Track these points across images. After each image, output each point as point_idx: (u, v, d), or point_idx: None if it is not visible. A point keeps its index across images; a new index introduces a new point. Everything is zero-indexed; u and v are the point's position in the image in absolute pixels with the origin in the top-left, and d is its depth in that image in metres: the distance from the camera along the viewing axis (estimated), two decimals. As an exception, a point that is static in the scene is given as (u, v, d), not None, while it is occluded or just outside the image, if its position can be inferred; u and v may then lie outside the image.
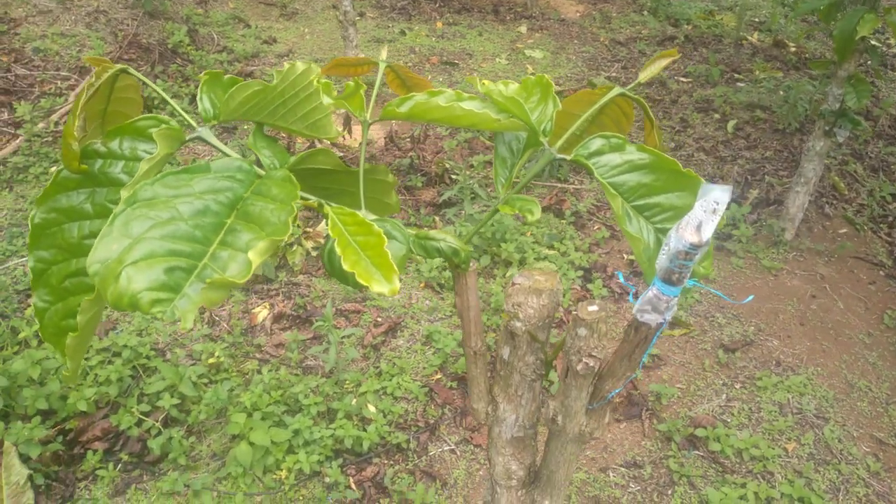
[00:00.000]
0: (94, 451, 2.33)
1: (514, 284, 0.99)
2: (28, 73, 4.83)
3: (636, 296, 0.87)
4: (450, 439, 2.46)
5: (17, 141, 4.09)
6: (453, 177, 3.92)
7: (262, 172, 0.80)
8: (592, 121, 1.03)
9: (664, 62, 0.90)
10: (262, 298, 3.03)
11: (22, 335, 2.66)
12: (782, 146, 4.47)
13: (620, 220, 0.83)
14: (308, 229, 3.31)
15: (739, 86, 5.28)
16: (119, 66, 0.85)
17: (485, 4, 6.96)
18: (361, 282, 0.66)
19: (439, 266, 3.16)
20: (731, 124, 4.70)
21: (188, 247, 0.66)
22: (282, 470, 2.29)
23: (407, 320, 2.93)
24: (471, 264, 0.98)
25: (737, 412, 2.56)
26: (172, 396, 2.44)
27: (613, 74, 5.58)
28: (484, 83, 0.95)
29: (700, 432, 2.43)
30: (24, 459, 2.23)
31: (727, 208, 0.71)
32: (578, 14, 6.89)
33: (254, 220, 0.70)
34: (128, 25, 5.62)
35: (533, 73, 5.49)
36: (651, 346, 0.92)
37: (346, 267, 0.67)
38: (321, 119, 0.89)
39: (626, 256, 3.41)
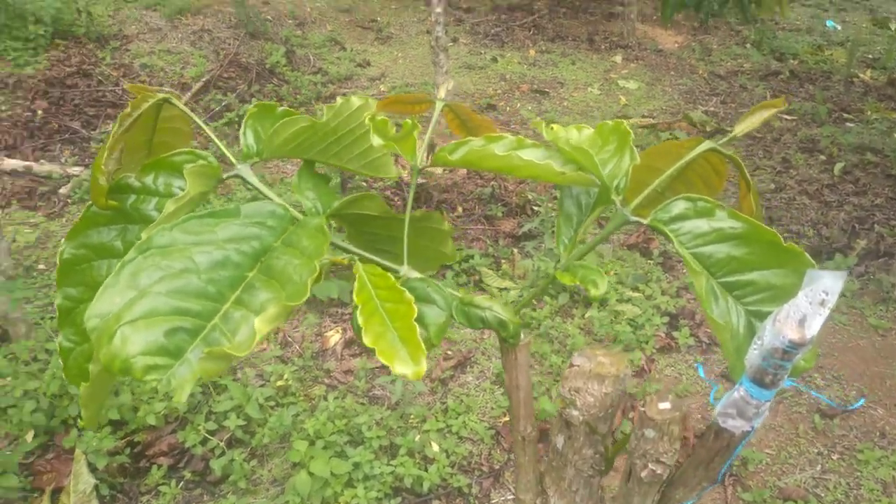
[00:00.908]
0: (159, 466, 2.34)
1: (572, 366, 0.89)
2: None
3: (719, 395, 0.75)
4: (514, 488, 2.34)
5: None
6: (535, 208, 3.82)
7: (301, 217, 0.73)
8: (677, 177, 0.92)
9: (767, 114, 0.78)
10: (335, 322, 3.01)
11: (103, 343, 2.72)
12: (895, 193, 4.15)
13: (704, 300, 0.72)
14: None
15: (849, 126, 4.95)
16: (162, 94, 0.81)
17: (579, 33, 6.85)
18: (382, 359, 0.58)
19: (513, 301, 3.06)
20: (838, 167, 4.40)
21: (197, 305, 0.59)
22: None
23: (478, 356, 2.84)
24: (522, 337, 0.89)
25: (832, 487, 2.33)
26: (238, 417, 2.43)
27: (711, 108, 5.35)
28: (552, 128, 0.86)
29: (790, 506, 2.22)
30: (92, 469, 2.26)
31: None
32: (677, 45, 6.68)
33: (276, 275, 0.63)
34: (229, 45, 5.83)
35: (626, 105, 5.34)
36: (735, 456, 0.79)
37: (366, 341, 0.59)
38: (379, 158, 0.82)
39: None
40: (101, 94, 4.92)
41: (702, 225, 0.75)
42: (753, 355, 0.66)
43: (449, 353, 2.84)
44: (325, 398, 2.57)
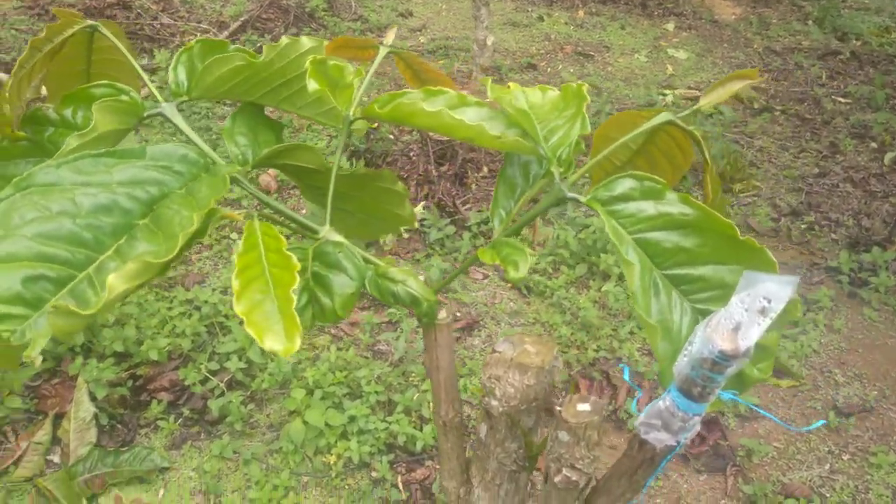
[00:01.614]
0: (159, 401, 2.35)
1: (494, 352, 0.82)
2: (172, 22, 5.02)
3: (643, 403, 0.67)
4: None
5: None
6: (565, 175, 3.71)
7: (222, 165, 0.67)
8: (639, 153, 0.83)
9: (737, 85, 0.69)
10: (346, 274, 2.98)
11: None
12: (947, 189, 3.93)
13: (640, 294, 0.63)
14: (404, 210, 3.22)
15: (906, 114, 4.70)
16: (89, 22, 0.74)
17: (633, -3, 6.60)
18: (250, 331, 0.52)
19: (529, 268, 2.98)
20: (889, 156, 4.18)
21: (67, 252, 0.53)
22: (332, 454, 2.22)
23: (486, 320, 2.79)
24: (442, 315, 0.82)
25: (839, 488, 2.25)
26: (240, 360, 2.42)
27: (762, 85, 5.12)
28: (493, 87, 0.78)
29: (791, 503, 2.14)
30: (93, 398, 2.28)
31: (786, 309, 0.51)
32: (734, 16, 6.39)
33: (163, 226, 0.57)
34: (272, -15, 5.73)
35: (672, 75, 5.13)
36: (658, 470, 0.72)
37: (237, 309, 0.53)
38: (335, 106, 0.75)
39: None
40: (139, 27, 4.89)
41: (647, 208, 0.66)
42: (682, 363, 0.58)
43: (458, 314, 2.79)
44: (328, 349, 2.55)
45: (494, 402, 0.80)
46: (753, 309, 0.53)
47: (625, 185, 0.67)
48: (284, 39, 0.76)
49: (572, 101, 0.76)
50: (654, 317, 0.62)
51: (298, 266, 0.59)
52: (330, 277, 0.73)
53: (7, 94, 0.67)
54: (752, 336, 0.52)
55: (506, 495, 0.89)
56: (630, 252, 0.64)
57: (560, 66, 5.08)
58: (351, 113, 0.77)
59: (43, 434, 2.23)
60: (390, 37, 0.90)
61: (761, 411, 0.75)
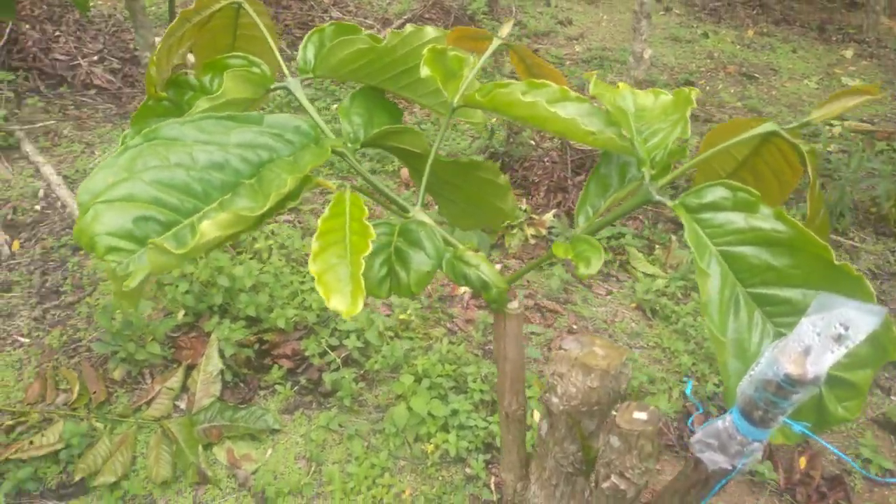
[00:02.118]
0: (280, 367, 2.50)
1: (560, 348, 0.79)
2: (340, 16, 5.29)
3: (699, 421, 0.63)
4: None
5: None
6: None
7: (330, 139, 0.70)
8: (744, 164, 0.78)
9: (853, 101, 0.63)
10: (470, 271, 3.02)
11: (258, 245, 2.93)
12: None
13: (712, 307, 0.59)
14: (534, 216, 3.22)
15: None
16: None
17: (810, 19, 6.18)
18: (319, 289, 0.54)
19: (657, 290, 2.88)
20: None
21: (177, 199, 0.58)
22: (430, 444, 2.26)
23: (604, 336, 2.73)
24: (514, 305, 0.80)
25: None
26: (358, 339, 2.52)
27: (949, 125, 4.63)
28: (596, 83, 0.76)
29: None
30: (222, 355, 2.46)
31: (882, 346, 0.46)
32: (926, 48, 5.82)
33: (263, 186, 0.61)
34: (438, -14, 5.90)
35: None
36: (711, 495, 0.67)
37: (311, 267, 0.55)
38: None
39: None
40: (311, 18, 5.20)
41: (738, 220, 0.62)
42: (745, 382, 0.54)
43: (575, 326, 2.75)
44: (441, 341, 2.60)
45: (555, 400, 0.79)
46: (827, 334, 0.49)
47: (716, 193, 0.64)
48: (409, 27, 0.79)
49: (680, 106, 0.74)
50: (730, 334, 0.59)
51: (374, 235, 0.62)
52: (410, 254, 0.75)
53: (155, 59, 0.75)
54: (823, 363, 0.48)
55: (561, 497, 0.87)
56: (712, 264, 0.61)
57: (720, 86, 4.86)
58: (455, 101, 0.79)
59: (175, 381, 2.43)
60: (505, 30, 0.91)
61: (844, 456, 0.69)
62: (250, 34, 0.91)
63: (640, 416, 0.72)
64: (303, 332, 2.63)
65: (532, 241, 3.14)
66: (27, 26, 4.31)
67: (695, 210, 0.65)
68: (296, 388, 2.47)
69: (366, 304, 2.68)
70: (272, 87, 0.80)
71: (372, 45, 0.78)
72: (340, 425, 2.32)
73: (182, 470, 2.16)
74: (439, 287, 2.88)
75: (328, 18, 5.27)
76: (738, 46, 5.51)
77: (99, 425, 2.25)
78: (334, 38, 0.83)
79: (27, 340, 2.57)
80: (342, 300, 0.57)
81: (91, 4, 4.97)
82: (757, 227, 0.62)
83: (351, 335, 2.53)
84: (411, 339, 2.59)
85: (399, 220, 0.81)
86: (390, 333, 2.61)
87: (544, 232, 3.15)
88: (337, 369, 2.48)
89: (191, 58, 0.90)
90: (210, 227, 0.55)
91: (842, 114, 0.65)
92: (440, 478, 2.20)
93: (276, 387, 2.45)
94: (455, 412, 2.29)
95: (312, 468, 2.22)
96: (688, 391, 0.94)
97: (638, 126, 0.74)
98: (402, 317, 2.66)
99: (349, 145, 0.79)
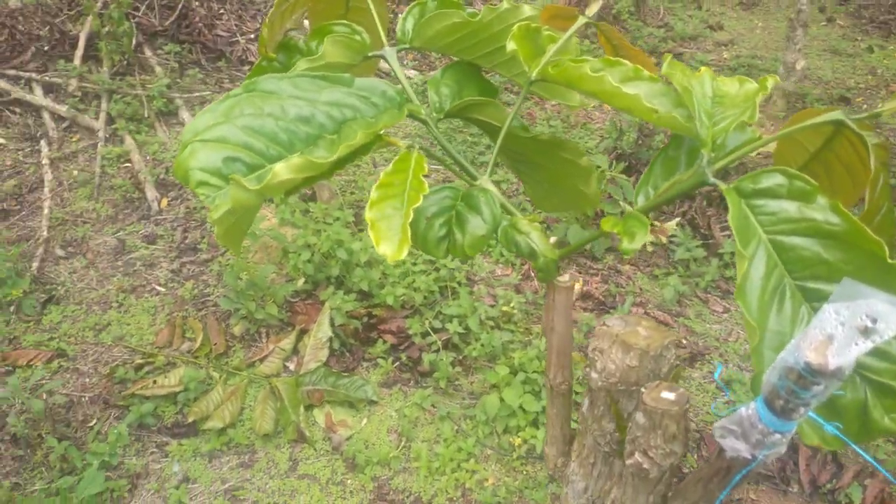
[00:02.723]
0: (384, 342, 2.59)
1: (604, 324, 0.78)
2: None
3: (727, 404, 0.61)
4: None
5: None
6: None
7: (413, 105, 0.73)
8: (816, 157, 0.73)
9: None
10: (580, 272, 2.99)
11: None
12: None
13: (750, 292, 0.57)
14: (656, 222, 3.13)
15: None
16: None
17: None
18: (371, 234, 0.58)
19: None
20: None
21: (264, 145, 0.63)
22: (518, 437, 2.27)
23: (713, 355, 2.62)
24: (565, 278, 0.79)
25: None
26: (460, 325, 2.57)
27: None
28: (671, 63, 0.73)
29: None
30: (332, 324, 2.58)
31: (886, 342, 0.43)
32: None
33: (341, 140, 0.65)
34: (585, -16, 5.84)
35: None
36: (731, 485, 0.64)
37: (368, 214, 0.59)
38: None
39: None
40: None
41: (791, 209, 0.60)
42: (771, 371, 0.52)
43: (684, 341, 2.67)
44: (541, 337, 2.60)
45: (595, 375, 0.79)
46: (852, 325, 0.46)
47: (773, 179, 0.62)
48: (505, 4, 0.81)
49: (759, 93, 0.72)
50: (771, 325, 0.57)
51: (426, 190, 0.65)
52: (468, 217, 0.77)
53: (268, 22, 0.81)
54: (846, 356, 0.46)
55: (598, 476, 0.86)
56: (759, 251, 0.59)
57: (879, 105, 4.50)
58: (533, 74, 0.81)
59: (287, 343, 2.58)
60: (593, 8, 0.91)
61: (865, 455, 0.65)
62: (362, 6, 0.96)
63: (668, 395, 0.71)
64: (409, 312, 2.71)
65: (650, 249, 3.06)
66: (196, 3, 4.68)
67: (749, 195, 0.64)
68: (396, 363, 2.56)
69: (471, 293, 2.72)
70: (370, 54, 0.85)
71: (466, 20, 0.81)
72: (433, 405, 2.38)
73: (283, 426, 2.30)
74: (544, 285, 2.88)
75: (472, 11, 5.35)
76: (909, 63, 5.07)
77: (215, 374, 2.44)
78: (437, 11, 0.87)
79: (163, 289, 2.82)
80: (390, 246, 0.61)
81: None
82: (810, 217, 0.59)
83: (454, 320, 2.58)
84: (511, 331, 2.61)
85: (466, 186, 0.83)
86: (491, 323, 2.64)
87: (664, 240, 3.06)
88: (437, 351, 2.54)
89: (307, 23, 0.97)
90: (283, 169, 0.61)
91: None
92: (524, 472, 2.21)
93: (379, 360, 2.54)
94: (545, 409, 2.28)
95: (402, 443, 2.29)
96: (716, 375, 0.92)
97: (712, 110, 0.73)
98: (504, 308, 2.68)
99: (434, 115, 0.83)
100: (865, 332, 0.47)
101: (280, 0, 0.85)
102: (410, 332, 2.60)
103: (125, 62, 4.10)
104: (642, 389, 0.74)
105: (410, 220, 0.64)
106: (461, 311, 2.60)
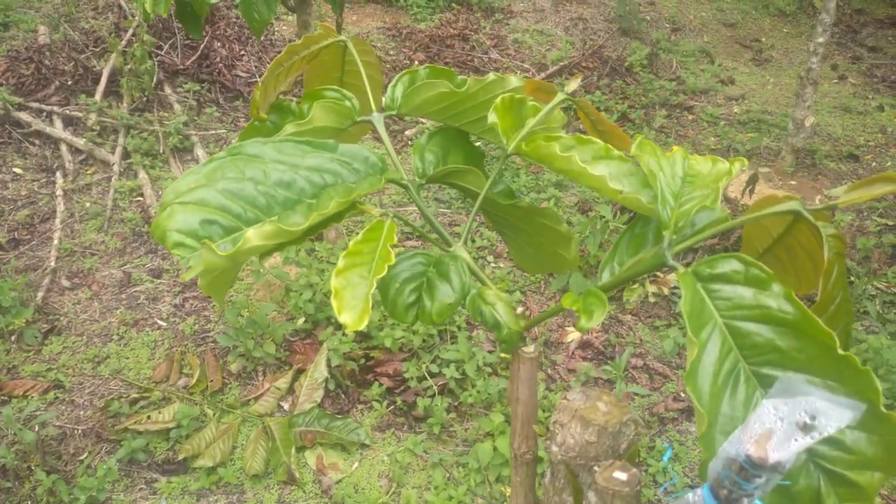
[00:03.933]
0: (380, 385, 2.58)
1: (565, 398, 0.78)
2: (499, 58, 5.45)
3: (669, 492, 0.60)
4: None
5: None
6: None
7: (392, 173, 0.75)
8: (779, 241, 0.74)
9: (882, 189, 0.59)
10: (581, 321, 2.98)
11: (379, 266, 3.06)
12: None
13: (708, 379, 0.57)
14: (658, 273, 3.13)
15: None
16: (340, 37, 0.88)
17: None
18: (335, 302, 0.58)
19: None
20: None
21: (241, 208, 0.65)
22: (510, 487, 2.24)
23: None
24: (529, 349, 0.79)
25: None
26: (457, 370, 2.56)
27: None
28: (641, 143, 0.74)
29: None
30: (328, 364, 2.58)
31: (876, 441, 0.42)
32: None
33: (316, 207, 0.67)
34: (598, 37, 5.94)
35: None
36: None
37: (334, 282, 0.60)
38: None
39: None
40: (470, 58, 5.40)
41: (747, 295, 0.60)
42: (715, 460, 0.51)
43: (682, 394, 2.63)
44: (538, 385, 2.58)
45: (555, 448, 0.79)
46: (791, 421, 0.46)
47: (729, 265, 0.63)
48: (491, 76, 0.84)
49: (722, 177, 0.73)
50: (724, 409, 0.57)
51: (393, 261, 0.66)
52: (438, 285, 0.78)
53: (261, 84, 0.84)
54: (785, 451, 0.46)
55: None
56: (714, 335, 0.59)
57: (889, 163, 4.50)
58: (510, 148, 0.82)
59: (283, 382, 2.58)
60: (572, 85, 0.93)
61: None
62: (358, 70, 0.99)
63: (621, 476, 0.70)
64: (406, 354, 2.70)
65: (652, 300, 3.04)
66: (218, 44, 4.81)
67: (706, 279, 0.65)
68: (391, 407, 2.54)
69: (469, 338, 2.71)
70: (358, 119, 0.87)
71: (453, 90, 0.83)
72: (426, 451, 2.36)
73: (273, 467, 2.29)
74: (546, 331, 2.86)
75: (487, 59, 5.44)
76: (920, 123, 5.07)
77: (209, 412, 2.44)
78: (426, 80, 0.89)
79: (165, 324, 2.84)
80: (351, 316, 0.62)
81: (275, 29, 5.45)
82: (765, 304, 0.60)
83: (451, 365, 2.57)
84: (509, 377, 2.59)
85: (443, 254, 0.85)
86: (489, 370, 2.63)
87: (666, 291, 3.05)
88: (433, 396, 2.53)
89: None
90: (254, 236, 0.62)
91: (869, 200, 0.62)
92: (515, 523, 2.17)
93: (374, 403, 2.53)
94: (540, 460, 2.25)
95: (393, 488, 2.27)
96: (665, 458, 0.90)
97: (681, 190, 0.74)
98: (503, 354, 2.67)
99: (416, 180, 0.84)
100: (805, 428, 0.47)
101: (275, 64, 0.88)
102: (407, 375, 2.59)
103: (145, 99, 4.20)
104: (595, 468, 0.74)
105: (380, 285, 0.65)
106: (459, 356, 2.59)
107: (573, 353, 2.78)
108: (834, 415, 0.47)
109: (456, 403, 2.54)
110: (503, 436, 2.31)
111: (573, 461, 0.79)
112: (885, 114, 5.17)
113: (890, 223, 3.61)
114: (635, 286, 3.06)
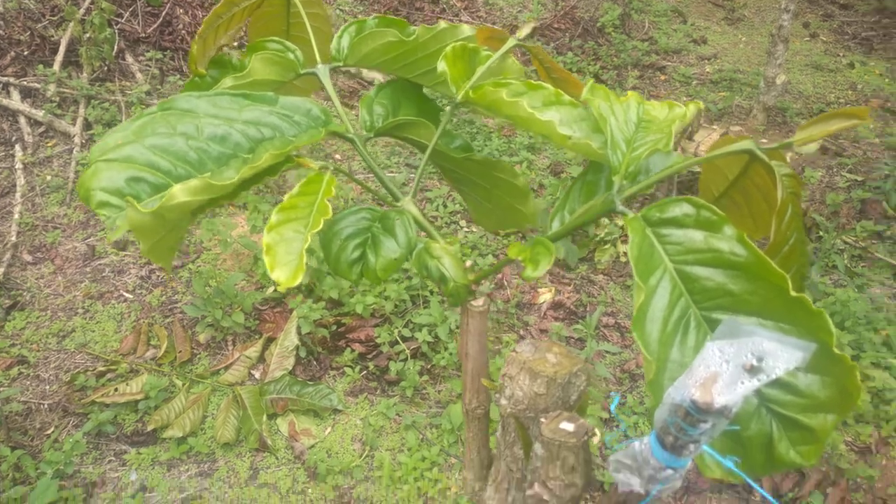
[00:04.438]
0: (352, 351, 2.57)
1: (515, 351, 0.76)
2: (470, 20, 5.36)
3: (620, 438, 0.60)
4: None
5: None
6: None
7: (336, 126, 0.72)
8: (734, 184, 0.72)
9: (837, 125, 0.57)
10: (553, 282, 2.97)
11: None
12: None
13: (657, 325, 0.55)
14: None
15: None
16: None
17: (981, 56, 5.61)
18: (266, 258, 0.55)
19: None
20: None
21: (171, 164, 0.61)
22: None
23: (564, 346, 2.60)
24: (478, 302, 0.78)
25: None
26: (430, 334, 2.55)
27: None
28: (592, 87, 0.72)
29: None
30: (299, 332, 2.56)
31: (851, 396, 0.41)
32: None
33: (251, 161, 0.63)
34: (572, -2, 5.87)
35: None
36: None
37: (266, 237, 0.57)
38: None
39: None
40: (438, 20, 5.31)
41: (697, 238, 0.59)
42: (661, 407, 0.50)
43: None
44: (510, 346, 2.58)
45: (504, 402, 0.77)
46: (737, 363, 0.44)
47: (680, 208, 0.61)
48: (442, 24, 0.80)
49: (675, 121, 0.70)
50: (673, 356, 0.56)
51: (329, 215, 0.63)
52: (382, 240, 0.76)
53: (199, 38, 0.79)
54: (731, 394, 0.44)
55: (512, 502, 0.84)
56: (664, 280, 0.58)
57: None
58: (458, 97, 0.79)
59: (254, 351, 2.55)
60: (524, 31, 0.89)
61: (753, 485, 0.63)
62: (312, 25, 0.94)
63: (567, 426, 0.69)
64: (379, 320, 2.68)
65: (623, 260, 3.04)
66: (181, 10, 4.67)
67: (655, 223, 0.63)
68: (363, 372, 2.53)
69: (441, 302, 2.69)
70: (302, 71, 0.83)
71: (401, 39, 0.79)
72: (399, 414, 2.35)
73: (245, 435, 2.27)
74: (518, 293, 2.85)
75: (457, 22, 5.35)
76: (887, 80, 5.08)
77: (178, 382, 2.41)
78: (375, 29, 0.85)
79: (131, 296, 2.78)
80: (284, 272, 0.59)
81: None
82: (716, 247, 0.58)
83: (423, 329, 2.56)
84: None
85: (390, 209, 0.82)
86: (462, 333, 2.61)
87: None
88: (405, 360, 2.52)
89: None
90: (180, 191, 0.59)
91: (824, 137, 0.60)
92: (488, 482, 2.18)
93: (346, 369, 2.51)
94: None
95: (366, 451, 2.26)
96: (612, 406, 0.90)
97: (634, 136, 0.72)
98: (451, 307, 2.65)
99: (364, 133, 0.81)
100: (752, 371, 0.46)
101: (213, 16, 0.83)
102: (379, 340, 2.57)
103: (105, 68, 4.09)
104: (542, 420, 0.72)
105: (324, 242, 0.62)
106: (431, 320, 2.58)
107: (545, 314, 2.78)
108: (782, 356, 0.45)
109: (429, 366, 2.53)
110: (475, 397, 2.30)
111: (522, 414, 0.77)
112: (856, 71, 5.18)
113: (859, 178, 3.63)
114: (607, 246, 3.05)
